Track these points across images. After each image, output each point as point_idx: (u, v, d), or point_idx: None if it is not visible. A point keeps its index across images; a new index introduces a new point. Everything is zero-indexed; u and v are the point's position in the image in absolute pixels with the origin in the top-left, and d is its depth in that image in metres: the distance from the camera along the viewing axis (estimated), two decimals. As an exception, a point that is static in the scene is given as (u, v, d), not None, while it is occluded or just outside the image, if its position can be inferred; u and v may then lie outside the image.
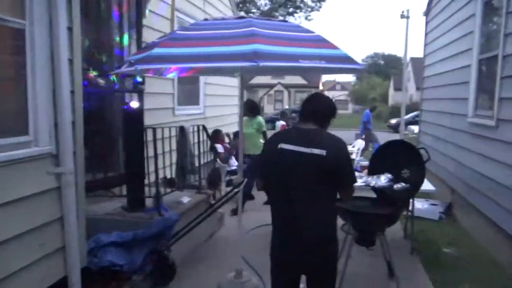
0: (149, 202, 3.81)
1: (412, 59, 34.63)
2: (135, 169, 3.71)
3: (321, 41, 2.80)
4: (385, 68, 66.16)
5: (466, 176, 5.29)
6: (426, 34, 8.45)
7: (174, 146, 5.02)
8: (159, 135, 4.36)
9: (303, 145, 2.16)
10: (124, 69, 2.83)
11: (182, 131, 4.82)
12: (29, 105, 2.59)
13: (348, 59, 2.65)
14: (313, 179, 2.15)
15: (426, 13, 8.50)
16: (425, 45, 8.44)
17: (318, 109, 2.28)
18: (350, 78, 54.79)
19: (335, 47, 2.75)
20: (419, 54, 8.88)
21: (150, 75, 3.39)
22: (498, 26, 4.55)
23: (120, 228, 3.31)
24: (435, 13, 7.74)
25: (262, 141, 5.61)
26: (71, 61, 2.78)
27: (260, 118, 5.86)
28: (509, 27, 4.24)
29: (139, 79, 3.63)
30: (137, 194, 3.75)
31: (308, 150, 2.13)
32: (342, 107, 50.30)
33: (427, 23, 8.46)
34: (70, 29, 2.77)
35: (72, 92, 2.79)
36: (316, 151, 2.12)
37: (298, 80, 36.26)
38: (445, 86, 6.69)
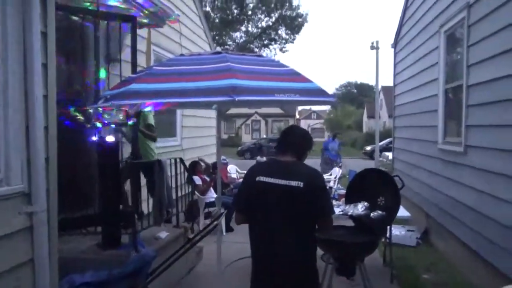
0: (125, 238, 3.71)
1: (384, 87, 35.90)
2: (110, 205, 3.62)
3: (294, 75, 2.90)
4: (358, 96, 68.22)
5: (439, 201, 5.42)
6: (395, 65, 8.83)
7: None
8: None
9: (281, 177, 2.18)
10: (100, 104, 2.82)
11: (159, 164, 4.77)
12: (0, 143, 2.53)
13: (320, 92, 2.74)
14: (291, 211, 2.16)
15: (394, 45, 8.92)
16: (395, 75, 8.80)
17: (295, 142, 2.33)
18: (325, 106, 56.04)
19: (308, 81, 2.85)
20: (390, 82, 9.23)
21: (125, 109, 3.38)
22: (461, 57, 4.81)
23: (94, 267, 3.19)
24: (402, 45, 8.13)
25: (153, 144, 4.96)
26: (45, 97, 2.75)
27: (146, 112, 4.93)
28: (470, 59, 4.50)
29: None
30: (112, 230, 3.64)
31: (286, 182, 2.16)
32: (318, 134, 51.10)
33: (395, 54, 8.85)
34: (44, 65, 2.75)
35: (46, 127, 2.75)
36: (293, 183, 2.14)
37: (275, 109, 36.89)
38: (415, 114, 6.95)
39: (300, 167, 2.25)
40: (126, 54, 4.16)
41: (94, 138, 3.45)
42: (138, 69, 3.96)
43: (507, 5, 3.67)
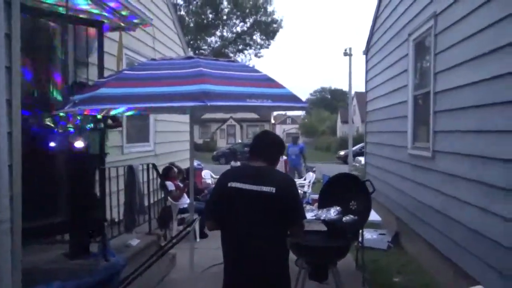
0: (94, 247, 3.61)
1: (357, 93, 36.63)
2: (78, 212, 3.52)
3: (267, 81, 2.92)
4: (332, 101, 69.41)
5: (409, 205, 5.57)
6: (366, 72, 9.03)
7: (122, 186, 4.85)
8: (106, 175, 4.19)
9: (253, 183, 2.18)
10: (67, 109, 2.74)
11: (131, 170, 4.69)
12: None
13: (293, 98, 2.78)
14: (263, 216, 2.16)
15: (366, 52, 9.13)
16: (366, 81, 8.99)
17: (267, 147, 2.34)
18: (300, 112, 56.75)
19: (281, 86, 2.87)
20: (363, 88, 9.44)
21: (93, 113, 3.30)
22: (429, 64, 4.97)
23: (62, 277, 3.08)
24: (374, 52, 8.33)
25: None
26: (9, 101, 2.66)
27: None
28: (437, 66, 4.66)
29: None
30: (81, 239, 3.54)
31: (258, 188, 2.16)
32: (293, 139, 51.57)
33: (367, 61, 9.06)
34: (8, 68, 2.66)
35: (10, 133, 2.65)
36: (265, 188, 2.15)
37: (250, 114, 37.07)
38: (386, 120, 7.12)
39: (272, 173, 2.26)
40: (96, 57, 4.07)
41: (61, 143, 3.35)
42: (109, 73, 3.88)
43: (471, 15, 3.83)
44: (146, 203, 5.01)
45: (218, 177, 2.50)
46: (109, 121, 4.25)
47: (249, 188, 2.18)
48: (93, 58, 4.10)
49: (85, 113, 3.13)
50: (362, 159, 13.03)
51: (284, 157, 8.39)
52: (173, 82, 2.63)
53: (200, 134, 41.13)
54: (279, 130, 64.86)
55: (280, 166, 8.73)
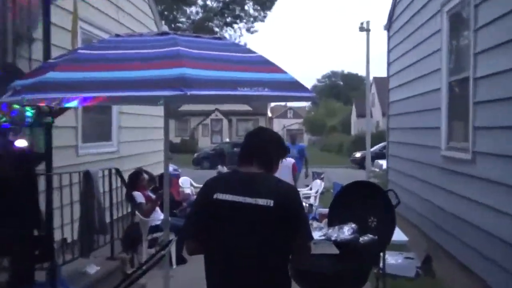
0: (41, 274, 3.60)
1: (376, 79, 36.86)
2: (22, 229, 3.49)
3: (263, 64, 2.91)
4: (345, 90, 69.81)
5: (443, 221, 5.59)
6: (388, 52, 9.07)
7: (77, 197, 4.84)
8: (55, 184, 4.18)
9: (245, 194, 2.18)
10: (6, 98, 2.72)
11: (87, 177, 4.67)
12: None
13: (295, 85, 2.78)
14: (258, 236, 2.16)
15: (388, 27, 9.17)
16: (389, 64, 9.03)
17: (262, 149, 2.34)
18: (303, 103, 57.04)
19: (281, 71, 2.87)
20: (384, 72, 9.48)
21: (41, 104, 3.28)
22: (467, 43, 4.98)
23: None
24: (397, 28, 8.37)
25: None
26: None
27: None
28: (478, 45, 4.67)
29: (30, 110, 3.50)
30: (24, 264, 3.52)
31: (252, 201, 2.16)
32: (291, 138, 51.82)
33: (389, 38, 9.10)
34: None
35: None
36: (261, 201, 2.15)
37: (241, 106, 37.05)
38: (414, 113, 7.16)
39: (269, 181, 2.26)
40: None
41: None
42: (60, 52, 3.87)
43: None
44: (107, 219, 5.00)
45: (200, 186, 2.49)
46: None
47: (241, 201, 2.18)
48: (38, 33, 4.08)
49: (40, 104, 3.11)
50: (383, 162, 13.11)
51: (291, 160, 8.45)
52: (142, 65, 2.61)
53: (177, 131, 41.10)
54: (278, 126, 64.97)
55: (284, 174, 8.72)
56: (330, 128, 48.15)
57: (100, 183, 4.76)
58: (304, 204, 9.42)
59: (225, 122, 41.34)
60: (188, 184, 10.01)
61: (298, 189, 9.74)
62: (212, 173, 8.41)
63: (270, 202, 2.16)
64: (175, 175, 9.45)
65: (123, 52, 2.80)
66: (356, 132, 39.53)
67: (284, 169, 8.84)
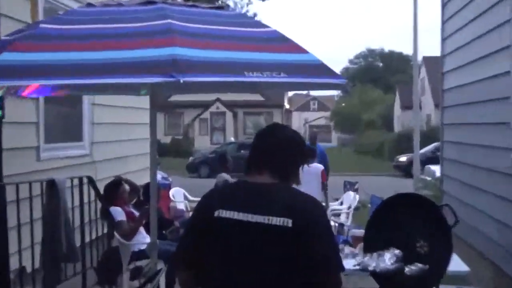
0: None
1: (426, 60, 36.71)
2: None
3: (279, 41, 2.93)
4: (385, 73, 69.55)
5: (516, 246, 5.56)
6: (443, 23, 9.01)
7: (38, 214, 4.89)
8: (10, 196, 4.21)
9: (255, 211, 2.18)
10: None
11: (52, 187, 4.71)
12: None
13: (321, 69, 2.79)
14: (272, 265, 2.17)
15: (442, -8, 9.12)
16: (443, 39, 8.98)
17: (278, 153, 2.34)
18: (331, 91, 56.93)
19: (301, 50, 2.89)
20: (437, 51, 9.44)
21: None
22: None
23: None
24: (455, -8, 8.32)
25: None
26: None
27: None
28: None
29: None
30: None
31: (263, 220, 2.16)
32: (321, 137, 51.73)
33: (444, 5, 9.03)
34: None
35: None
36: (276, 220, 2.15)
37: (249, 95, 36.91)
38: (478, 103, 7.11)
39: (286, 194, 2.26)
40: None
41: None
42: (17, 26, 3.91)
43: None
44: (78, 243, 5.03)
45: (197, 200, 2.51)
46: None
47: (249, 220, 2.18)
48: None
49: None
50: (436, 169, 13.00)
51: (319, 167, 8.51)
52: (121, 44, 2.64)
53: (167, 128, 41.18)
54: (298, 121, 64.88)
55: (310, 184, 8.71)
56: (366, 124, 47.99)
57: (68, 196, 4.79)
58: (332, 223, 9.41)
59: (229, 116, 41.37)
60: (181, 197, 10.04)
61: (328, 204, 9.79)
62: (212, 183, 8.41)
63: (288, 222, 2.16)
64: (164, 185, 9.49)
65: (97, 27, 2.83)
66: (400, 129, 39.39)
67: (310, 177, 8.84)
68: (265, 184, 2.30)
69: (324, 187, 8.91)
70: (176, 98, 34.68)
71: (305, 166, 2.55)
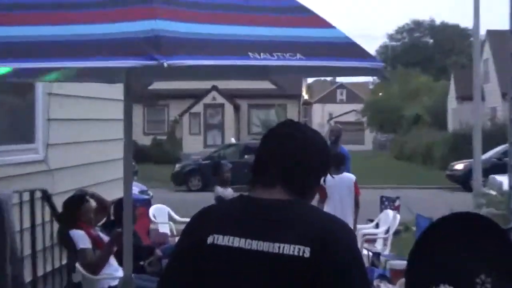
0: None
1: (492, 34, 36.53)
2: None
3: (295, 12, 2.95)
4: (436, 53, 69.34)
5: None
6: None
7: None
8: None
9: (262, 237, 2.18)
10: None
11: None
12: None
13: (350, 49, 2.81)
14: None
15: None
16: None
17: (293, 161, 2.33)
18: (364, 77, 56.62)
19: (324, 24, 2.91)
20: (504, 24, 9.40)
21: None
22: None
23: None
24: None
25: None
26: None
27: None
28: None
29: None
30: None
31: (273, 248, 2.16)
32: (352, 137, 51.36)
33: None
34: None
35: None
36: (291, 249, 2.15)
37: (256, 82, 36.68)
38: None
39: (304, 215, 2.26)
40: None
41: None
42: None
43: None
44: (28, 277, 5.05)
45: (185, 221, 2.51)
46: None
47: (254, 249, 2.18)
48: None
49: None
50: (502, 179, 12.94)
51: (351, 177, 8.45)
52: (86, 16, 2.67)
53: (147, 125, 41.19)
54: (321, 117, 64.63)
55: (341, 199, 8.64)
56: (410, 121, 47.87)
57: (15, 215, 4.81)
58: (364, 252, 9.36)
59: (228, 110, 41.31)
60: (164, 218, 10.07)
61: (357, 227, 9.69)
62: (206, 198, 8.42)
63: (304, 251, 2.15)
64: (143, 201, 9.53)
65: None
66: (455, 127, 39.26)
67: (342, 191, 8.82)
68: (276, 201, 2.30)
69: (357, 204, 8.86)
70: (158, 86, 34.74)
71: (332, 176, 2.54)
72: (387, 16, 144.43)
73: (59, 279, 5.95)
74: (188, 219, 2.48)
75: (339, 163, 8.61)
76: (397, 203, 11.24)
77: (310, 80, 52.92)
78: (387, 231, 9.52)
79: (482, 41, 27.67)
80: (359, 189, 8.94)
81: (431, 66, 63.14)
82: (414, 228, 10.85)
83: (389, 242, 9.29)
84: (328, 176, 2.47)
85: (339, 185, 8.30)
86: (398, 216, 10.07)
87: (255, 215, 2.28)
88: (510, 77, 9.10)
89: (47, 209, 5.62)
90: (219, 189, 10.17)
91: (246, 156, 24.95)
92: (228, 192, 10.00)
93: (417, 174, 29.71)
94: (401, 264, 5.20)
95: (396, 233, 9.79)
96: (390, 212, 10.17)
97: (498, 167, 17.81)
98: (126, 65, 2.59)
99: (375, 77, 53.59)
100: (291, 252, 2.17)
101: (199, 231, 2.31)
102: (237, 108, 41.98)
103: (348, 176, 8.76)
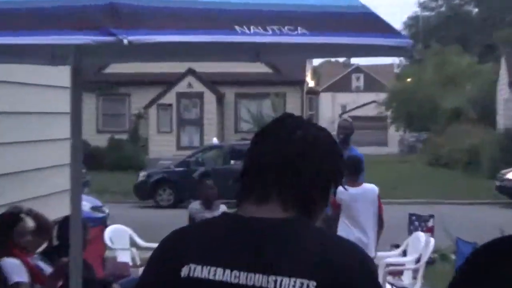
0: None
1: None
2: None
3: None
4: (483, 26, 69.41)
5: None
6: None
7: None
8: None
9: (253, 268, 2.19)
10: None
11: None
12: None
13: (368, 21, 2.84)
14: None
15: None
16: None
17: (296, 168, 2.34)
18: (388, 58, 56.51)
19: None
20: None
21: None
22: None
23: None
24: None
25: None
26: None
27: None
28: None
29: None
30: None
31: (269, 282, 2.17)
32: (372, 137, 51.25)
33: None
34: None
35: None
36: (289, 283, 2.15)
37: (245, 65, 36.51)
38: None
39: (309, 238, 2.26)
40: None
41: None
42: None
43: None
44: None
45: (152, 247, 2.52)
46: None
47: (243, 283, 2.20)
48: None
49: None
50: None
51: (374, 189, 8.36)
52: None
53: (102, 120, 41.08)
54: (331, 109, 64.45)
55: (362, 218, 8.61)
56: (448, 115, 47.91)
57: None
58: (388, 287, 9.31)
59: (209, 100, 41.26)
60: (125, 242, 10.08)
61: (378, 254, 9.69)
62: (180, 217, 8.44)
63: (309, 286, 2.18)
64: (96, 220, 9.55)
65: None
66: (508, 124, 39.33)
67: (360, 206, 8.72)
68: (271, 220, 2.31)
69: (381, 224, 8.70)
70: (117, 69, 34.70)
71: (344, 187, 2.54)
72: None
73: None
74: (155, 245, 2.47)
75: (355, 170, 8.49)
76: (430, 224, 11.29)
77: (316, 61, 52.86)
78: (417, 260, 9.54)
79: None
80: (382, 205, 8.81)
81: (476, 44, 63.28)
82: (453, 257, 10.92)
83: (420, 275, 9.32)
84: (341, 188, 2.46)
85: (357, 200, 8.24)
86: (432, 241, 10.07)
87: (244, 240, 2.29)
88: None
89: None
90: (197, 205, 10.17)
91: (232, 162, 24.97)
92: (215, 210, 9.99)
93: (458, 185, 29.69)
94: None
95: (430, 262, 9.83)
96: (421, 235, 10.20)
97: None
98: (74, 41, 2.61)
99: (401, 58, 53.82)
100: (292, 287, 2.19)
101: (171, 260, 2.31)
102: (220, 99, 41.86)
103: (370, 188, 8.65)
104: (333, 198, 7.30)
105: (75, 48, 3.33)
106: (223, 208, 9.82)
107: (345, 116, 56.34)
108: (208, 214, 9.58)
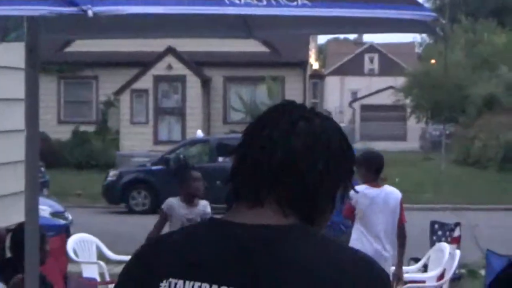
0: None
1: None
2: None
3: None
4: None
5: None
6: None
7: None
8: None
9: (243, 285, 2.20)
10: None
11: None
12: None
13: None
14: None
15: None
16: None
17: (297, 166, 2.33)
18: (406, 35, 56.49)
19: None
20: None
21: None
22: None
23: None
24: None
25: None
26: None
27: None
28: None
29: None
30: None
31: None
32: (388, 129, 51.30)
33: None
34: None
35: None
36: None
37: (236, 42, 36.56)
38: None
39: (309, 249, 2.28)
40: None
41: None
42: None
43: None
44: None
45: (125, 260, 2.54)
46: None
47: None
48: None
49: None
50: None
51: (397, 195, 8.31)
52: None
53: (64, 109, 41.17)
54: (339, 96, 64.58)
55: (383, 226, 8.63)
56: (481, 104, 47.93)
57: None
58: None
59: (193, 84, 41.34)
60: (91, 254, 10.11)
61: (392, 269, 9.74)
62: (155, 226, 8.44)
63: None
64: (57, 228, 9.60)
65: None
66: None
67: (379, 211, 8.67)
68: (266, 228, 2.32)
69: (403, 234, 8.60)
70: (81, 47, 34.74)
71: (356, 191, 2.54)
72: None
73: None
74: (127, 257, 2.48)
75: (375, 167, 8.41)
76: (456, 233, 11.32)
77: (321, 39, 52.92)
78: (441, 277, 9.58)
79: None
80: (404, 214, 8.75)
81: (512, 19, 63.49)
82: (482, 272, 10.96)
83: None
84: (352, 191, 2.46)
85: (377, 204, 8.22)
86: (458, 253, 10.13)
87: (234, 250, 2.30)
88: None
89: None
90: (171, 203, 10.09)
91: (220, 159, 25.02)
92: (195, 214, 9.91)
93: (490, 187, 29.80)
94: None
95: (455, 279, 9.87)
96: (445, 247, 10.23)
97: None
98: (28, 13, 2.61)
99: (423, 35, 53.92)
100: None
101: (147, 275, 2.31)
102: (206, 83, 41.92)
103: (392, 192, 8.59)
104: (347, 202, 7.30)
105: (28, 22, 3.33)
106: (204, 204, 9.74)
107: (356, 105, 56.47)
108: (185, 211, 9.54)
